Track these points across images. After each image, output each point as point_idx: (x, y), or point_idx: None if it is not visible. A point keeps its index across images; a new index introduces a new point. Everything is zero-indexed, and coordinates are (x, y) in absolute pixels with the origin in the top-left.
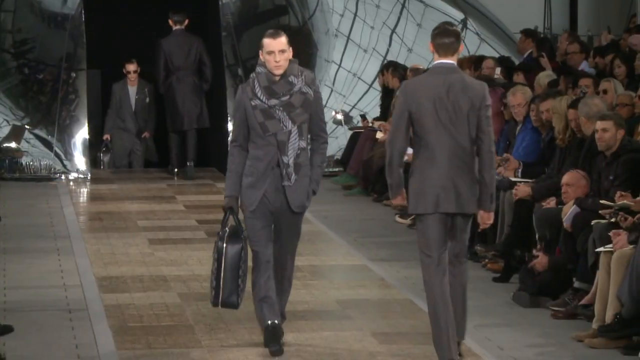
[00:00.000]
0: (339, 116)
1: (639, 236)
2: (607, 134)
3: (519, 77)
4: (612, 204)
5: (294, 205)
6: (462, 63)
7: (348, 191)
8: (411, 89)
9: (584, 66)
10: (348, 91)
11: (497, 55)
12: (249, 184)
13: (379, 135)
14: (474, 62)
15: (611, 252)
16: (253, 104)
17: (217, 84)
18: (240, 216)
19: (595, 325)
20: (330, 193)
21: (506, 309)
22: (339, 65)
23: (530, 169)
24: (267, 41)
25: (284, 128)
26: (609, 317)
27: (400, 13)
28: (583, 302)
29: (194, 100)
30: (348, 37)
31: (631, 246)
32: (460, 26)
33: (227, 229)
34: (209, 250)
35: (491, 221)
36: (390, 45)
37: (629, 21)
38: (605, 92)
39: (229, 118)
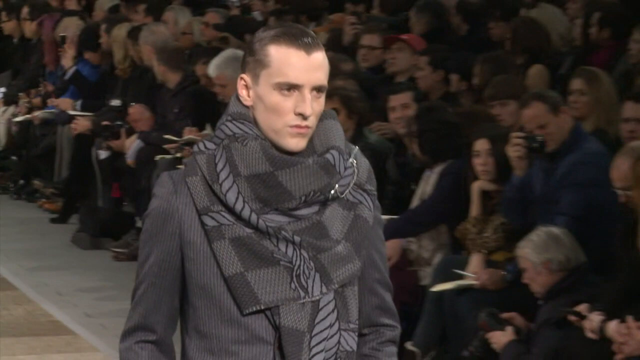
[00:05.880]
0: None
1: None
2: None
3: None
4: (177, 138)
5: None
6: None
7: None
8: None
9: None
10: None
11: None
12: None
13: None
14: None
15: None
16: (210, 224)
17: None
18: None
19: None
20: None
21: (64, 251)
22: None
23: (89, 102)
24: (284, 52)
25: (302, 295)
26: None
27: None
28: None
29: None
30: None
31: None
32: None
33: None
34: None
35: None
36: None
37: None
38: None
39: None
